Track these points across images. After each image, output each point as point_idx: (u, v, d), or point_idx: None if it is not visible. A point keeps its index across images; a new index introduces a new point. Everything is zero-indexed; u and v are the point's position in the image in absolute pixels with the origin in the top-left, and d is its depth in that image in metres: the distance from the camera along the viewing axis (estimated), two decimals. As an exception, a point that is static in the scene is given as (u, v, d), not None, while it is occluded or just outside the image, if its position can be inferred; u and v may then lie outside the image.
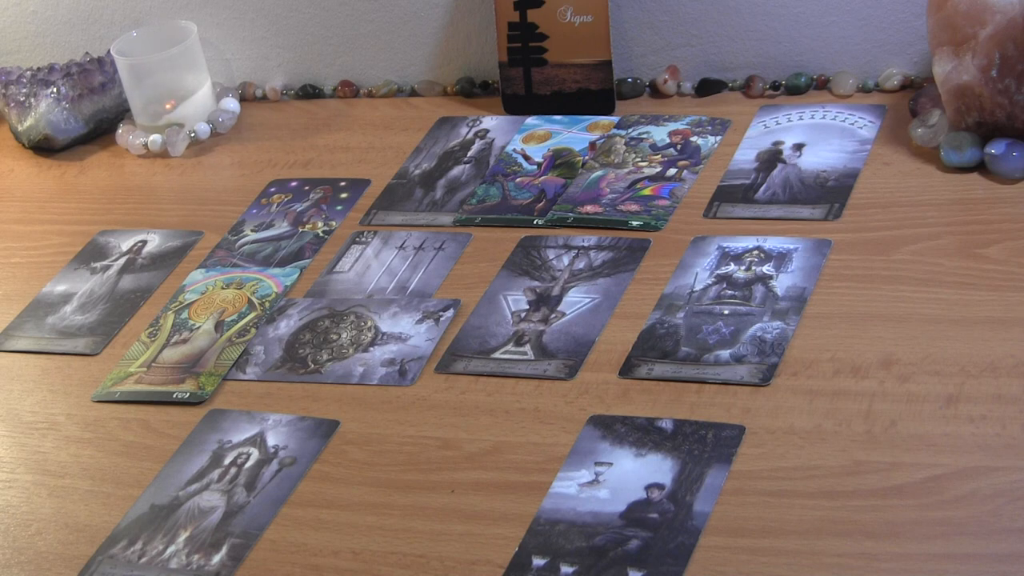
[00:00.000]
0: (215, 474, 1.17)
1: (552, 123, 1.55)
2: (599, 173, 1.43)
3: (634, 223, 1.35)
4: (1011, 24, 1.28)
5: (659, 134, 1.48)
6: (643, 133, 1.49)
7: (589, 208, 1.39)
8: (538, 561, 1.03)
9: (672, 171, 1.42)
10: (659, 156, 1.45)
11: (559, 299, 1.28)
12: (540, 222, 1.39)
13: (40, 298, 1.44)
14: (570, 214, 1.38)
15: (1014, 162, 1.32)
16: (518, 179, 1.47)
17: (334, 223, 1.46)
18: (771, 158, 1.42)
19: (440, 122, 1.60)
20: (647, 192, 1.40)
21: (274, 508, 1.13)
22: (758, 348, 1.18)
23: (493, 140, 1.54)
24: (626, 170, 1.43)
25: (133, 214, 1.56)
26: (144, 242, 1.49)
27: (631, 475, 1.08)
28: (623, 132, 1.49)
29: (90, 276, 1.46)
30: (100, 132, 1.70)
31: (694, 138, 1.46)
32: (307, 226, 1.47)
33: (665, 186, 1.40)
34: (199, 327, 1.34)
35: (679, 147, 1.45)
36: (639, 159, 1.45)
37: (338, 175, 1.55)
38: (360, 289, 1.36)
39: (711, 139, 1.46)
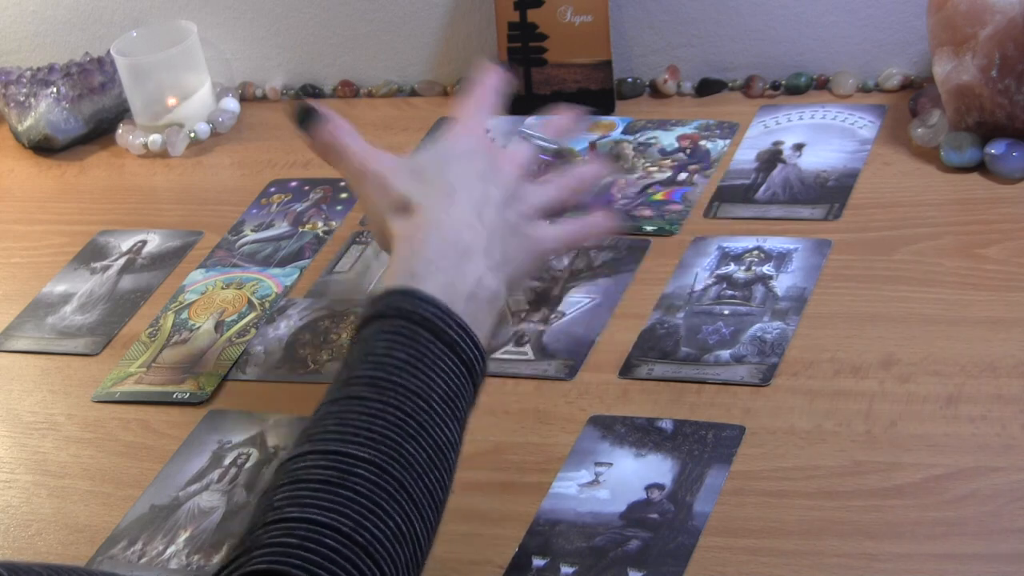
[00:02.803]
0: (215, 474, 1.17)
1: (552, 123, 1.54)
2: (608, 179, 1.43)
3: (648, 228, 1.35)
4: (1011, 24, 1.28)
5: (667, 139, 1.48)
6: (651, 138, 1.49)
7: None
8: (538, 561, 1.03)
9: (683, 175, 1.42)
10: (669, 161, 1.45)
11: (559, 299, 1.28)
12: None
13: (40, 298, 1.44)
14: None
15: (1014, 162, 1.32)
16: (518, 179, 1.46)
17: (334, 223, 1.46)
18: (771, 158, 1.42)
19: (440, 122, 1.60)
20: (659, 197, 1.39)
21: (274, 508, 1.13)
22: (758, 348, 1.18)
23: (493, 140, 1.54)
24: (636, 175, 1.43)
25: (133, 214, 1.56)
26: (144, 242, 1.49)
27: (631, 475, 1.08)
28: (630, 138, 1.49)
29: (90, 276, 1.46)
30: (100, 132, 1.70)
31: (703, 142, 1.46)
32: (307, 226, 1.47)
33: (677, 190, 1.40)
34: (199, 327, 1.34)
35: (688, 151, 1.45)
36: (649, 164, 1.45)
37: (338, 175, 1.54)
38: (360, 289, 1.36)
39: (720, 143, 1.46)
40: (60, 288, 1.45)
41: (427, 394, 0.96)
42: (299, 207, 1.50)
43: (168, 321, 1.36)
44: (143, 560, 1.10)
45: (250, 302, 1.36)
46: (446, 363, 0.98)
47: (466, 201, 1.06)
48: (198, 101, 1.65)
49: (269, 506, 0.90)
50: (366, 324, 1.00)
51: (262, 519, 0.89)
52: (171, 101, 1.64)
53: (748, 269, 1.27)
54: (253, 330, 1.33)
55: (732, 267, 1.28)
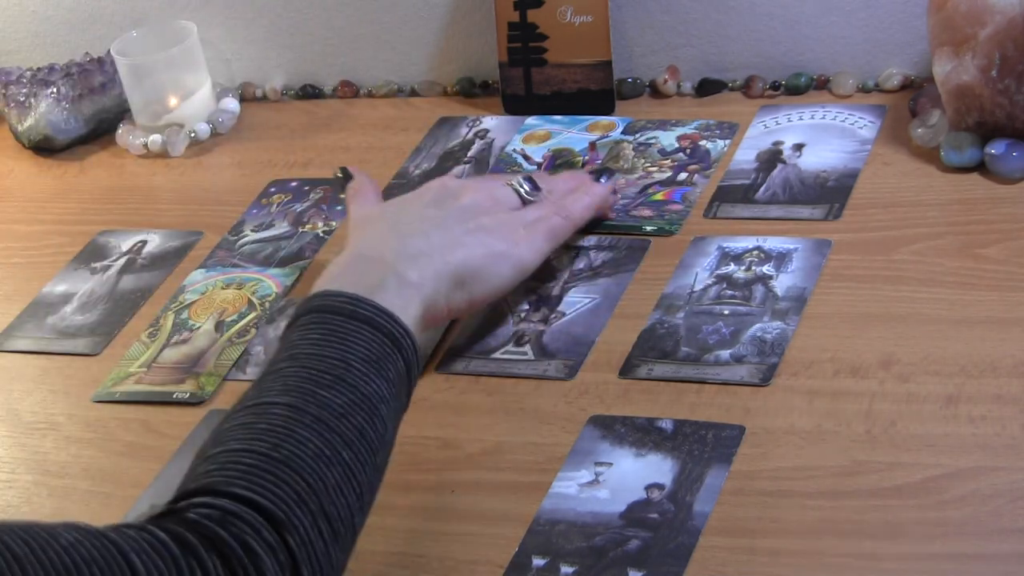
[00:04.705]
0: (215, 474, 1.17)
1: (552, 123, 1.55)
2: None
3: (648, 228, 1.35)
4: (1011, 24, 1.28)
5: (667, 139, 1.48)
6: (651, 138, 1.49)
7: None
8: (538, 561, 1.03)
9: (683, 175, 1.42)
10: (668, 161, 1.45)
11: (559, 299, 1.28)
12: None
13: (40, 298, 1.44)
14: None
15: (1014, 162, 1.32)
16: (518, 179, 1.46)
17: (334, 223, 1.46)
18: (771, 158, 1.42)
19: (440, 122, 1.60)
20: (659, 197, 1.39)
21: (274, 508, 1.13)
22: (758, 348, 1.18)
23: (493, 140, 1.54)
24: (636, 175, 1.43)
25: (133, 214, 1.56)
26: (144, 242, 1.49)
27: (631, 475, 1.08)
28: (630, 138, 1.49)
29: (90, 276, 1.46)
30: (100, 132, 1.70)
31: (703, 142, 1.46)
32: (307, 226, 1.47)
33: (677, 190, 1.40)
34: (199, 327, 1.34)
35: (688, 151, 1.45)
36: (648, 164, 1.45)
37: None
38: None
39: (720, 143, 1.46)
40: (60, 288, 1.45)
41: (343, 356, 1.00)
42: (299, 207, 1.50)
43: (168, 321, 1.36)
44: (143, 560, 1.10)
45: (250, 302, 1.36)
46: (363, 334, 1.02)
47: (390, 221, 1.19)
48: (198, 101, 1.65)
49: (196, 460, 0.95)
50: (284, 334, 1.05)
51: (191, 470, 0.94)
52: (172, 101, 1.64)
53: (748, 269, 1.27)
54: (253, 330, 1.33)
55: (732, 267, 1.28)
